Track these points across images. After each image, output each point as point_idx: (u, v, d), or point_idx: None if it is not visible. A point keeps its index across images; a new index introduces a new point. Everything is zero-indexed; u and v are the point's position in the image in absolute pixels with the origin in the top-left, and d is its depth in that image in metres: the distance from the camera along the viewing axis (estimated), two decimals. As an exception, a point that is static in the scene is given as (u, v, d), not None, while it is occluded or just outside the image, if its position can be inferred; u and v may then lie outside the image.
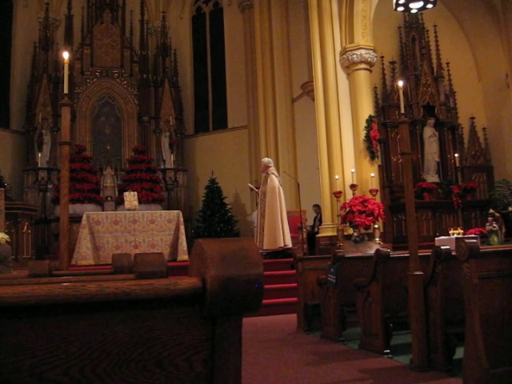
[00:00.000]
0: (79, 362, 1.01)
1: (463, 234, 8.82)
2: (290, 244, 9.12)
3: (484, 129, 13.11)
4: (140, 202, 11.12)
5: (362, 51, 10.47)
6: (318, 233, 11.18)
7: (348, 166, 10.39)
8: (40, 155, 14.41)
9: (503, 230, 10.04)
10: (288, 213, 9.67)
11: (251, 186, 10.58)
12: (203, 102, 17.75)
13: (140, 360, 1.05)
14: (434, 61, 12.69)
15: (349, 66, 10.65)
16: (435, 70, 12.60)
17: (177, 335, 1.07)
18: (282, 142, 14.70)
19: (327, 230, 10.62)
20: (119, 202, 13.74)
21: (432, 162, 12.23)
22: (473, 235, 8.27)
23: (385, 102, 12.16)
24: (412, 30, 12.69)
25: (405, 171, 4.51)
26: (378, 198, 10.09)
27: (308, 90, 13.07)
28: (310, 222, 12.34)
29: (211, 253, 1.05)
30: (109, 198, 14.57)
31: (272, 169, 9.45)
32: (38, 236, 13.40)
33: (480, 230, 9.58)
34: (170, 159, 15.75)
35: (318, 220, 11.86)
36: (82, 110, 15.35)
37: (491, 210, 10.13)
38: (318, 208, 12.01)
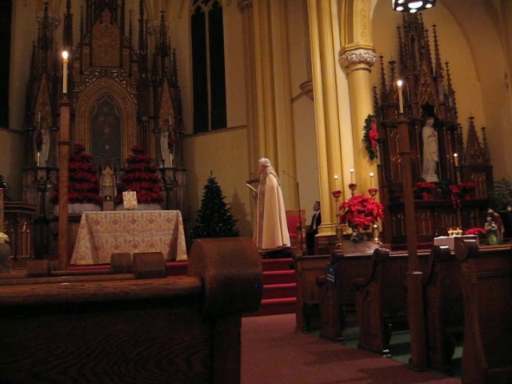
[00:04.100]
0: (78, 361, 1.01)
1: (462, 233, 8.83)
2: (288, 243, 9.12)
3: (483, 128, 13.12)
4: (139, 201, 11.12)
5: (361, 51, 10.48)
6: (316, 232, 11.17)
7: (347, 165, 10.40)
8: (39, 155, 14.40)
9: (502, 230, 10.05)
10: (287, 212, 9.68)
11: (250, 186, 10.57)
12: (202, 102, 17.75)
13: (139, 360, 1.05)
14: (433, 61, 12.70)
15: (348, 66, 10.65)
16: (434, 70, 12.61)
17: (176, 335, 1.07)
18: (281, 141, 14.71)
19: (326, 230, 10.62)
20: (118, 201, 13.73)
21: (431, 162, 12.24)
22: (472, 235, 8.29)
23: (384, 101, 12.17)
24: (411, 29, 12.70)
25: (404, 171, 4.51)
26: (377, 198, 10.10)
27: (307, 89, 13.07)
28: (308, 221, 12.32)
29: (210, 252, 1.05)
30: (108, 198, 14.56)
31: (270, 168, 9.45)
32: (37, 235, 13.39)
33: (479, 230, 9.59)
34: (169, 159, 15.74)
35: (317, 218, 11.83)
36: (81, 109, 15.34)
37: (490, 210, 10.14)
38: (318, 205, 11.98)
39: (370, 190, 9.96)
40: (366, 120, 10.35)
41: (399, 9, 9.47)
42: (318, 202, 11.92)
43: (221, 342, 1.08)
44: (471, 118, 12.99)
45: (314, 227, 11.69)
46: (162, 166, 15.76)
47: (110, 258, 2.90)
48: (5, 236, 6.16)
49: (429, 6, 9.30)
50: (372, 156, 10.39)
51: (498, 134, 13.02)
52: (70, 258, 8.42)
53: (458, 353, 3.63)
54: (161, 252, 2.00)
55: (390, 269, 4.67)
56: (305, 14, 12.81)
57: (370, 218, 9.44)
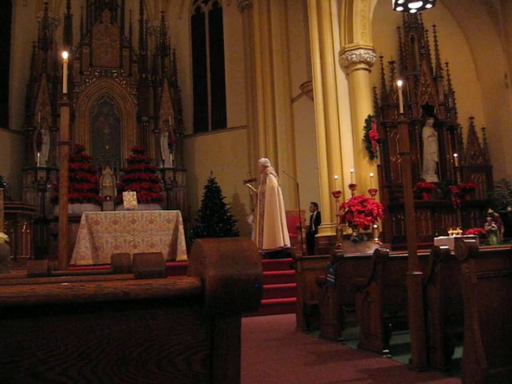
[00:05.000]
0: (78, 361, 1.01)
1: (462, 233, 8.83)
2: (288, 244, 9.13)
3: (483, 129, 13.12)
4: (139, 201, 11.12)
5: (361, 51, 10.47)
6: (316, 232, 11.17)
7: (347, 165, 10.40)
8: (39, 155, 14.40)
9: (502, 230, 10.05)
10: (287, 212, 9.68)
11: (249, 186, 10.54)
12: (202, 102, 17.74)
13: (139, 360, 1.05)
14: (433, 61, 12.70)
15: (348, 66, 10.65)
16: (434, 70, 12.61)
17: (176, 335, 1.07)
18: (281, 141, 14.70)
19: (326, 230, 10.61)
20: (118, 201, 13.73)
21: (431, 162, 12.24)
22: (472, 235, 8.29)
23: (384, 101, 12.17)
24: (411, 29, 12.70)
25: (404, 171, 4.51)
26: (377, 198, 10.09)
27: (307, 89, 13.06)
28: (308, 222, 12.32)
29: (210, 253, 1.05)
30: (108, 198, 14.56)
31: (270, 168, 9.44)
32: (37, 236, 13.39)
33: (479, 230, 9.59)
34: (169, 159, 15.74)
35: (315, 219, 11.84)
36: (81, 109, 15.34)
37: (490, 210, 10.15)
38: (314, 206, 11.99)
39: (369, 190, 9.96)
40: (366, 120, 10.35)
41: (399, 9, 9.46)
42: (314, 203, 11.94)
43: (221, 343, 1.08)
44: (471, 118, 12.99)
45: (313, 228, 11.69)
46: (162, 166, 15.76)
47: (110, 259, 2.90)
48: (5, 236, 6.16)
49: (429, 6, 9.29)
50: (372, 156, 10.38)
51: (497, 134, 13.02)
52: (69, 258, 8.42)
53: (458, 353, 3.63)
54: (161, 252, 2.00)
55: (390, 269, 4.67)
56: (305, 13, 12.81)
57: (370, 218, 9.43)
